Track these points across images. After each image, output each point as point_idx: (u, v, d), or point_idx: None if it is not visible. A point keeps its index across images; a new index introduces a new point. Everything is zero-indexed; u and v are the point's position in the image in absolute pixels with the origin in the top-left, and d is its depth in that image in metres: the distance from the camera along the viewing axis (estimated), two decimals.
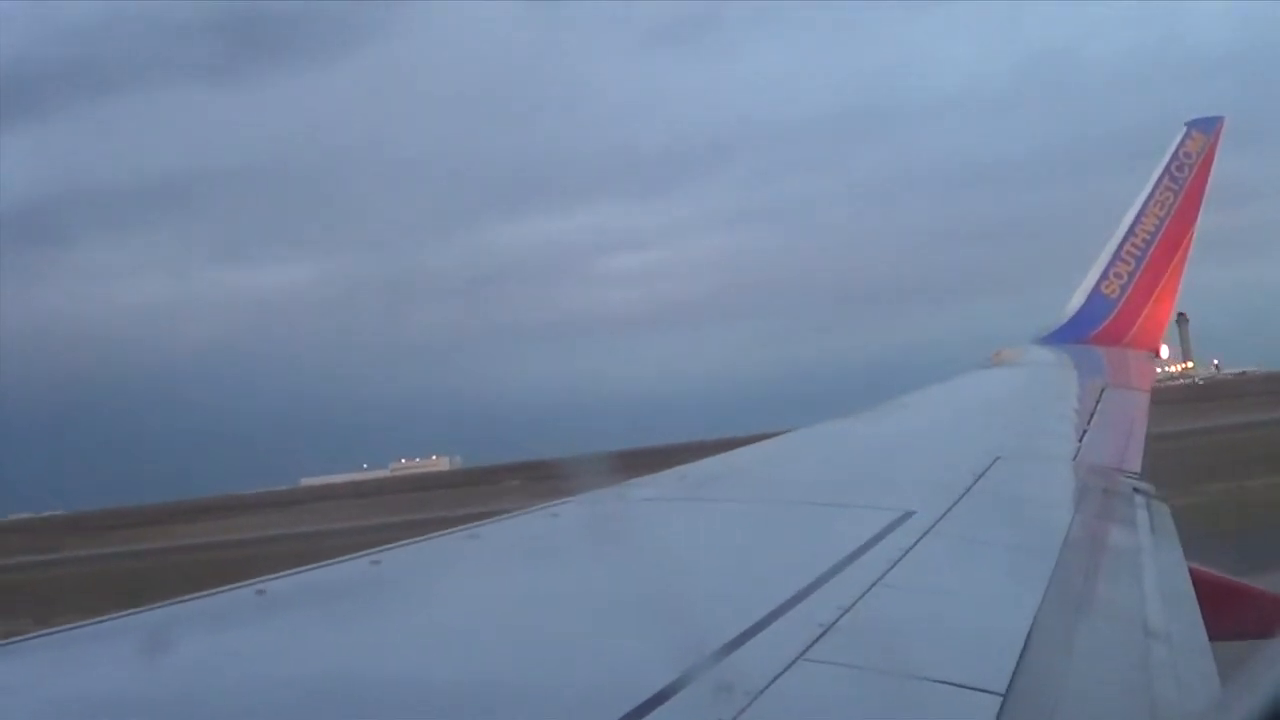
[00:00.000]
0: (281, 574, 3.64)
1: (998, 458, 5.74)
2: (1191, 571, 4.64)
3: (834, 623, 2.99)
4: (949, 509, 4.49)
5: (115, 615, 3.21)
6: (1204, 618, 4.01)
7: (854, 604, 3.18)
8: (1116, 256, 13.55)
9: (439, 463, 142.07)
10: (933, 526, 4.19)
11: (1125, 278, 13.43)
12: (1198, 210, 13.72)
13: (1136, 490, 5.82)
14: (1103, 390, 9.68)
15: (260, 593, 3.38)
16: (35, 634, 3.00)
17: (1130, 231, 13.55)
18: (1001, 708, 2.58)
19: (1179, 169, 13.71)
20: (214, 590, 3.45)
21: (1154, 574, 4.32)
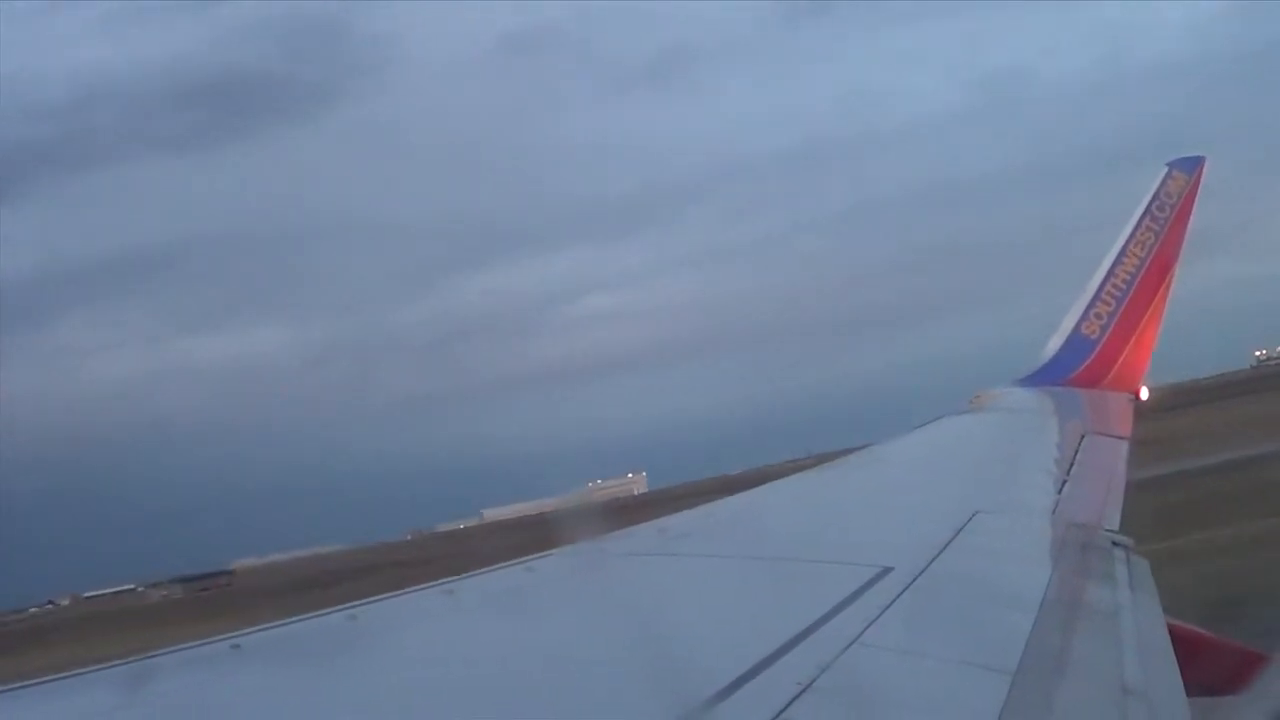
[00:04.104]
0: (257, 628, 3.62)
1: (976, 511, 5.74)
2: (1169, 627, 4.66)
3: (811, 682, 2.99)
4: (927, 565, 4.49)
5: (89, 669, 3.18)
6: (1181, 673, 4.02)
7: (831, 663, 3.18)
8: (1097, 297, 13.57)
9: (637, 481, 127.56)
10: (911, 583, 4.19)
11: (1106, 318, 13.45)
12: (1179, 251, 13.78)
13: (1116, 544, 5.83)
14: (1083, 437, 9.68)
15: (235, 647, 3.36)
16: (3, 688, 2.97)
17: (1111, 272, 13.58)
18: None
19: (1160, 209, 13.77)
20: (188, 644, 3.43)
21: (1133, 631, 4.33)
